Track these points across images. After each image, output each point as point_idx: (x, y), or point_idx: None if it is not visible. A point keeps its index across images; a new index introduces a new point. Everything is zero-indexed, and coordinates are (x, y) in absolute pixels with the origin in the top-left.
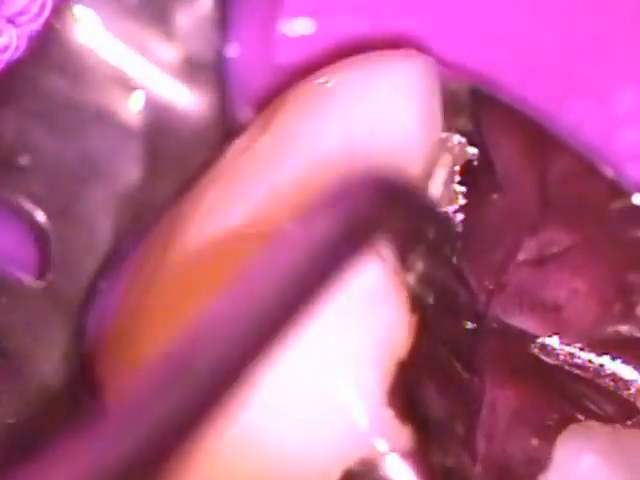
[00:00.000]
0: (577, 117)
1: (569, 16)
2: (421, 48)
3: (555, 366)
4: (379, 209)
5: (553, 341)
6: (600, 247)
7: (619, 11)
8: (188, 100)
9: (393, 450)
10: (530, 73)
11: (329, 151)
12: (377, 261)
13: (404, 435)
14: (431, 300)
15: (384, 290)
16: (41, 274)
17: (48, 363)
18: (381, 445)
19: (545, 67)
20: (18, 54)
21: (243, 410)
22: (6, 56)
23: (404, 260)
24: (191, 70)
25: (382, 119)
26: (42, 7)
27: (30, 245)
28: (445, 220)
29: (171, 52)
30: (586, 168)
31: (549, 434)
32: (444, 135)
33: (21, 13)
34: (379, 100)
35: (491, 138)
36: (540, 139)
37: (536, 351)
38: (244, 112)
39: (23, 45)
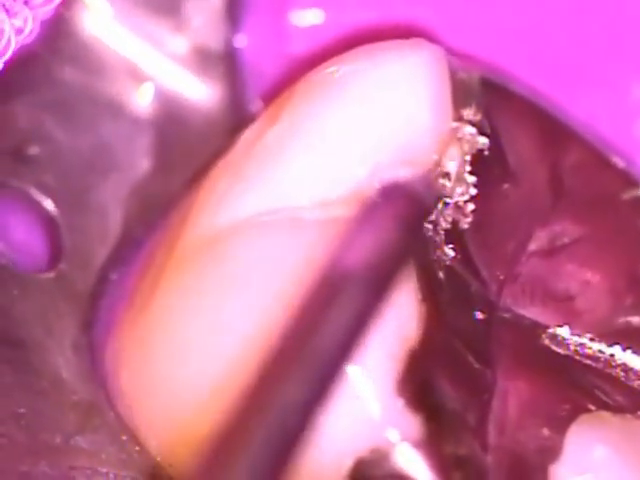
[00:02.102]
0: (589, 108)
1: (582, 6)
2: (431, 38)
3: (566, 356)
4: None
5: (564, 331)
6: (611, 238)
7: (632, 1)
8: (199, 91)
9: (404, 439)
10: (542, 63)
11: (339, 140)
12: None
13: (415, 425)
14: (442, 290)
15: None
16: (52, 265)
17: (59, 353)
18: (392, 434)
19: (557, 58)
20: (31, 38)
21: None
22: (21, 38)
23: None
24: (202, 61)
25: (392, 109)
26: None
27: (41, 236)
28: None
29: (182, 43)
30: (598, 159)
31: (560, 424)
32: (455, 125)
33: None
34: (389, 89)
35: (502, 128)
36: (552, 130)
37: (547, 341)
38: (255, 102)
39: (36, 29)
